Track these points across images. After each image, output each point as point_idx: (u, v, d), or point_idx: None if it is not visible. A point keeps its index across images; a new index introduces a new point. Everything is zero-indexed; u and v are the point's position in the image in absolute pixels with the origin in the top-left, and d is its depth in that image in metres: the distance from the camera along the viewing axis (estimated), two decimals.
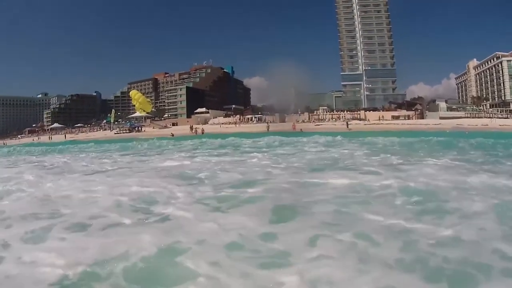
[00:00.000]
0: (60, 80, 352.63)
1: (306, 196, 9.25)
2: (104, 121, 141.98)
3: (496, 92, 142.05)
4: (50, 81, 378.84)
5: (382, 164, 14.40)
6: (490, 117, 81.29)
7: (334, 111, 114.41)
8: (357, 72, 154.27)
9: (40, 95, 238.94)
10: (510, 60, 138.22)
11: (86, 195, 10.40)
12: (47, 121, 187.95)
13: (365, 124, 72.71)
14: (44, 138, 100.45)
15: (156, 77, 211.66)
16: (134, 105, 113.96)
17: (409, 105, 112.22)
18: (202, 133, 68.98)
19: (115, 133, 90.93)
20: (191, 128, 76.36)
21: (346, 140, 29.72)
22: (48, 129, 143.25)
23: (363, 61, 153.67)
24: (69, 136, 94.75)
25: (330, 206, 8.12)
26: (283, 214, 7.63)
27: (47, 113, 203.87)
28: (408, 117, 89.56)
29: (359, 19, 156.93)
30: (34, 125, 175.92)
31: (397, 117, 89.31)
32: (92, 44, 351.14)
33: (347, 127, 64.84)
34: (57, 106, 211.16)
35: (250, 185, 10.81)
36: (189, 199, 9.45)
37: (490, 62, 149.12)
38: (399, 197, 8.92)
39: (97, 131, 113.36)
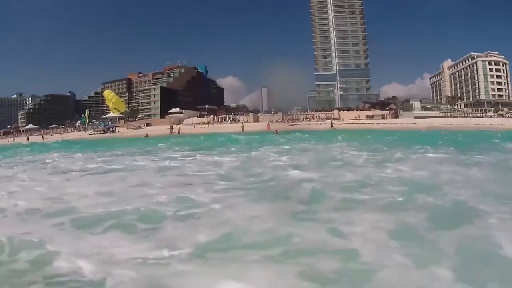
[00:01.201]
0: (35, 80, 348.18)
1: None
2: (79, 122, 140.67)
3: (470, 92, 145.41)
4: (24, 81, 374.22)
5: None
6: (465, 117, 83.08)
7: (308, 111, 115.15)
8: (331, 72, 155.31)
9: (14, 95, 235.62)
10: (484, 61, 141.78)
11: None
12: (21, 122, 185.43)
13: (342, 124, 72.91)
14: (20, 139, 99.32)
15: (130, 77, 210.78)
16: (108, 106, 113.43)
17: (383, 104, 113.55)
18: (179, 133, 69.37)
19: (89, 134, 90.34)
20: (171, 128, 75.57)
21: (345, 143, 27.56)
22: (23, 130, 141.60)
23: (337, 61, 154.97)
24: (46, 137, 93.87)
25: None
26: None
27: (21, 114, 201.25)
28: (383, 117, 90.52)
29: (333, 19, 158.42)
30: (9, 126, 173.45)
31: (371, 117, 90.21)
32: (66, 44, 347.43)
33: (332, 126, 65.42)
34: (32, 106, 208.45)
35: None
36: None
37: (465, 62, 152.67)
38: None
39: (71, 131, 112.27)
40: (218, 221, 7.84)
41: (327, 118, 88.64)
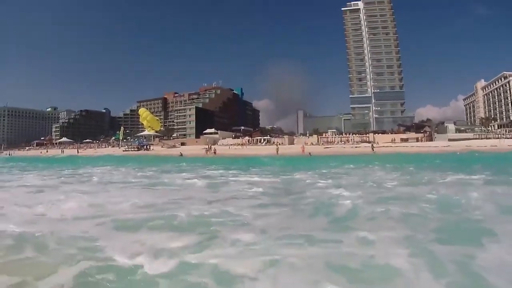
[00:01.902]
0: (70, 95, 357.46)
1: None
2: (113, 138, 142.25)
3: (504, 112, 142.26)
4: (59, 96, 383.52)
5: None
6: (498, 138, 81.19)
7: (343, 133, 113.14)
8: (366, 95, 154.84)
9: (49, 109, 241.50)
10: None
11: None
12: (55, 135, 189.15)
13: (386, 147, 70.61)
14: (53, 152, 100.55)
15: (165, 96, 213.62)
16: (143, 123, 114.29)
17: (418, 127, 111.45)
18: (215, 153, 68.25)
19: (123, 151, 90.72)
20: (208, 148, 74.76)
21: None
22: (56, 143, 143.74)
23: (371, 83, 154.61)
24: (80, 152, 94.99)
25: None
26: None
27: (55, 127, 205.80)
28: (417, 140, 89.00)
29: (367, 41, 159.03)
30: (42, 138, 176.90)
31: (406, 140, 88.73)
32: (103, 62, 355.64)
33: (372, 149, 62.47)
34: (66, 120, 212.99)
35: None
36: None
37: (498, 82, 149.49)
38: None
39: (105, 147, 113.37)
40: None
41: (362, 141, 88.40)
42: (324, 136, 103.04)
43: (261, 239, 7.59)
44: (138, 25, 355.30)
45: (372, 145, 67.92)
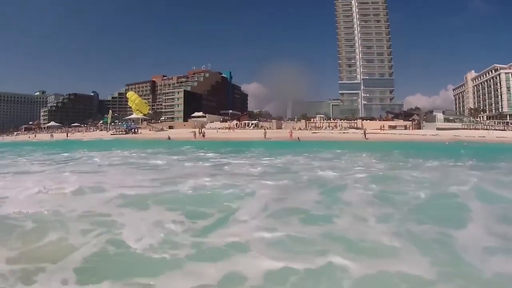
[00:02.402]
0: (58, 78, 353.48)
1: None
2: (101, 121, 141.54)
3: (493, 104, 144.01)
4: (47, 80, 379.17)
5: None
6: (487, 129, 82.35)
7: (331, 119, 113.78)
8: (355, 81, 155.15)
9: (37, 93, 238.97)
10: (508, 73, 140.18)
11: None
12: (43, 119, 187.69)
13: (376, 133, 70.40)
14: (41, 136, 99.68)
15: (154, 79, 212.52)
16: (131, 107, 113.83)
17: (406, 115, 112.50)
18: (203, 137, 67.87)
19: (111, 134, 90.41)
20: (200, 131, 73.68)
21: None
22: (44, 127, 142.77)
23: (361, 70, 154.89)
24: (70, 136, 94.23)
25: None
26: None
27: (44, 111, 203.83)
28: (405, 127, 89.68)
29: (358, 28, 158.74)
30: (30, 123, 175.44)
31: (394, 127, 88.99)
32: (90, 44, 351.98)
33: (365, 136, 61.03)
34: (55, 104, 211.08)
35: None
36: None
37: (488, 74, 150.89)
38: None
39: (93, 131, 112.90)
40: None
41: (350, 127, 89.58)
42: (312, 121, 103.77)
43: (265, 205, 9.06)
44: (127, 6, 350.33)
45: (365, 131, 66.92)
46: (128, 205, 9.26)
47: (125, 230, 7.23)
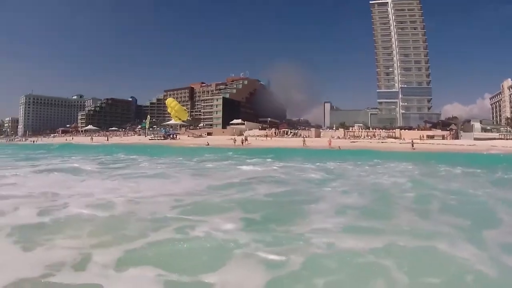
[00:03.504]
0: (96, 83, 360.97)
1: None
2: (139, 126, 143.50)
3: None
4: (86, 84, 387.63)
5: None
6: None
7: (370, 128, 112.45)
8: (393, 90, 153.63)
9: (75, 97, 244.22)
10: None
11: None
12: (81, 122, 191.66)
13: (420, 143, 68.22)
14: (79, 139, 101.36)
15: (192, 86, 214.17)
16: (170, 113, 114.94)
17: (444, 124, 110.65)
18: (242, 144, 67.93)
19: (149, 139, 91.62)
20: (244, 139, 73.88)
21: None
22: (82, 131, 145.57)
23: (399, 78, 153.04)
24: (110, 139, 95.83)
25: None
26: None
27: (81, 114, 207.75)
28: (443, 137, 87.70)
29: (395, 36, 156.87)
30: (68, 126, 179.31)
31: (432, 137, 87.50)
32: (130, 50, 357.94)
33: (412, 146, 60.15)
34: (92, 108, 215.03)
35: None
36: None
37: None
38: None
39: (131, 135, 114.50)
40: None
41: (388, 137, 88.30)
42: (350, 130, 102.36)
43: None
44: (167, 17, 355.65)
45: (412, 141, 65.80)
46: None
47: None
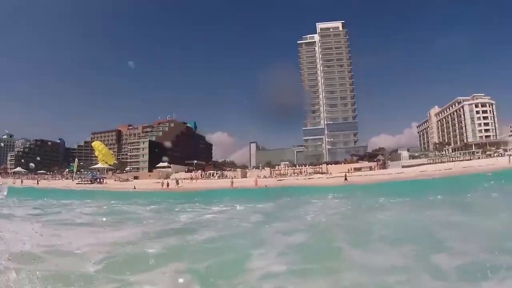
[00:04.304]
0: (26, 123, 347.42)
1: None
2: (67, 170, 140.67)
3: (458, 136, 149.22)
4: (15, 123, 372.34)
5: None
6: (453, 161, 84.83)
7: (296, 165, 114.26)
8: (319, 127, 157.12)
9: (5, 136, 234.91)
10: (471, 104, 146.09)
11: None
12: (10, 163, 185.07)
13: (360, 176, 71.80)
14: (6, 181, 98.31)
15: (119, 128, 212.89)
16: (97, 156, 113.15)
17: (371, 156, 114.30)
18: (168, 186, 68.06)
19: (76, 183, 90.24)
20: (176, 182, 73.87)
21: None
22: (11, 173, 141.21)
23: (325, 115, 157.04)
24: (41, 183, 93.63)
25: None
26: None
27: (11, 155, 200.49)
28: (370, 168, 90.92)
29: (322, 74, 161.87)
30: None
31: (359, 169, 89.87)
32: (58, 89, 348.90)
33: (346, 179, 61.55)
34: (21, 149, 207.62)
35: None
36: None
37: (452, 107, 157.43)
38: None
39: (59, 179, 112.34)
40: None
41: (315, 172, 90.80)
42: (277, 168, 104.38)
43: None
44: (91, 53, 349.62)
45: (346, 174, 68.26)
46: None
47: None
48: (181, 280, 7.53)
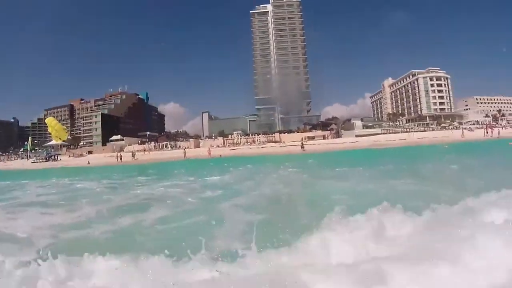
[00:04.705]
0: None
1: None
2: (22, 149, 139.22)
3: (412, 108, 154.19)
4: None
5: None
6: (407, 132, 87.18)
7: (249, 135, 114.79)
8: (272, 96, 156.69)
9: None
10: (426, 77, 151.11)
11: None
12: None
13: (317, 145, 71.29)
14: None
15: (72, 103, 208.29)
16: (50, 133, 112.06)
17: (324, 125, 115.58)
18: (121, 159, 66.55)
19: (32, 162, 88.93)
20: (133, 155, 72.15)
21: None
22: None
23: (277, 84, 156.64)
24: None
25: None
26: None
27: None
28: (324, 137, 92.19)
29: (274, 43, 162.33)
30: None
31: (312, 138, 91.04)
32: (10, 64, 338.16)
33: (302, 148, 61.13)
34: None
35: None
36: None
37: (406, 79, 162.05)
38: None
39: (14, 159, 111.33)
40: None
41: (268, 141, 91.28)
42: (230, 138, 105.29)
43: None
44: (43, 28, 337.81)
45: (302, 143, 67.85)
46: None
47: None
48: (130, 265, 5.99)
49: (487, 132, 66.56)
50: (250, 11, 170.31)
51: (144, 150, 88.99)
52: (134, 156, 70.70)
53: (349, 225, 6.45)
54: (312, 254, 5.57)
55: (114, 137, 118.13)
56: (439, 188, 12.35)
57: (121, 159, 66.62)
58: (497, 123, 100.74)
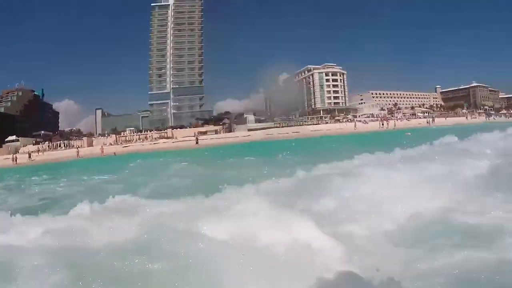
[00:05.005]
0: None
1: None
2: None
3: (306, 102, 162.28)
4: None
5: None
6: (300, 125, 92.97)
7: (142, 131, 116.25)
8: (165, 91, 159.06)
9: None
10: (321, 72, 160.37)
11: None
12: None
13: (212, 139, 74.63)
14: None
15: None
16: None
17: (217, 120, 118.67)
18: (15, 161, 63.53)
19: None
20: (29, 156, 69.53)
21: None
22: None
23: (171, 79, 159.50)
24: None
25: None
26: None
27: None
28: (216, 132, 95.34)
29: (171, 37, 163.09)
30: None
31: (204, 133, 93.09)
32: None
33: (197, 142, 64.73)
34: None
35: None
36: None
37: (302, 74, 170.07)
38: None
39: None
40: None
41: (160, 138, 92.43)
42: (122, 135, 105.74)
43: None
44: None
45: (197, 137, 72.44)
46: None
47: None
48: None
49: (383, 124, 75.25)
50: (152, 4, 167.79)
51: (38, 151, 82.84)
52: (30, 157, 68.28)
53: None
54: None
55: (10, 138, 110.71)
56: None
57: (16, 161, 63.71)
58: (392, 116, 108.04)
